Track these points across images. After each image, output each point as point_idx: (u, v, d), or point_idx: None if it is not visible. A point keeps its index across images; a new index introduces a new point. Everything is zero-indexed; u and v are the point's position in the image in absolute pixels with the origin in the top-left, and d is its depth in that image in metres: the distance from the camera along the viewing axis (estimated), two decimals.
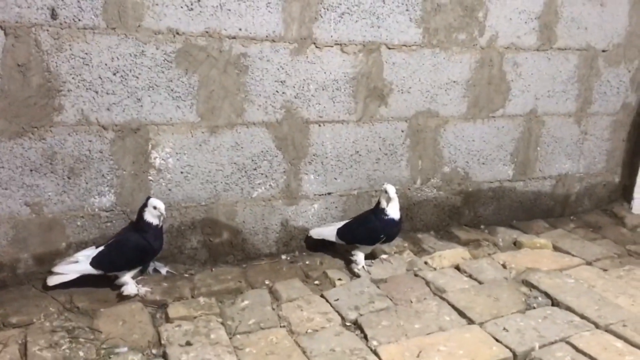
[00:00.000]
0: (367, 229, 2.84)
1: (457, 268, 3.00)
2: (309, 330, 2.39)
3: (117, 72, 2.50)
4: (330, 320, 2.46)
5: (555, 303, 2.65)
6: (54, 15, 2.35)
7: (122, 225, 2.67)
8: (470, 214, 3.50)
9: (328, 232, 2.97)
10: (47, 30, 2.35)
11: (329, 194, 3.08)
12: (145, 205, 2.51)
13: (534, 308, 2.61)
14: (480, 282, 2.84)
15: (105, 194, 2.63)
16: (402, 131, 3.16)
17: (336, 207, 3.11)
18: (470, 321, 2.48)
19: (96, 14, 2.41)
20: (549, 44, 3.38)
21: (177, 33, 2.56)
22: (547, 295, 2.70)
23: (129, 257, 2.53)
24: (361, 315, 2.49)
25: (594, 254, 3.23)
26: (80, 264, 2.51)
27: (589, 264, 3.11)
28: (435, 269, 2.98)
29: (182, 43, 2.58)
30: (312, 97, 2.90)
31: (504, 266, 3.02)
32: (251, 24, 2.68)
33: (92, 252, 2.53)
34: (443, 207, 3.41)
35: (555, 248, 3.31)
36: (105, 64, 2.47)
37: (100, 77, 2.48)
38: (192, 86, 2.65)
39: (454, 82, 3.21)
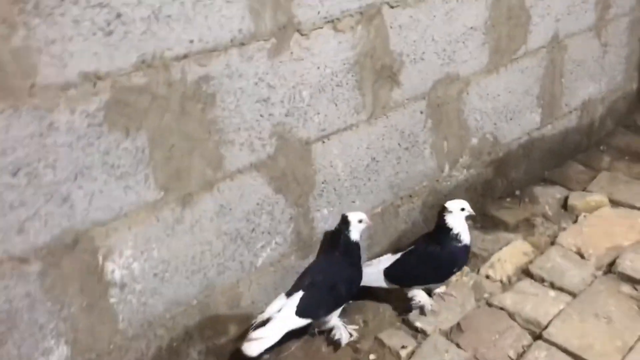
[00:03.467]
0: (437, 264, 2.12)
1: (528, 273, 2.34)
2: None
3: (18, 171, 1.46)
4: None
5: None
6: None
7: None
8: (504, 183, 2.80)
9: (370, 276, 2.17)
10: None
11: None
12: (346, 222, 2.08)
13: None
14: (571, 294, 2.20)
15: (52, 351, 1.66)
16: (421, 112, 2.33)
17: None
18: None
19: None
20: None
21: (98, 77, 1.52)
22: None
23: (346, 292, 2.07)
24: None
25: None
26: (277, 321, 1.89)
27: None
28: (501, 282, 2.32)
29: (109, 91, 1.55)
30: (308, 107, 1.98)
31: (580, 255, 2.40)
32: (206, 28, 1.67)
33: (283, 302, 1.96)
34: (475, 187, 2.68)
35: (612, 201, 2.71)
36: None
37: None
38: (141, 150, 1.65)
39: (471, 28, 2.36)
